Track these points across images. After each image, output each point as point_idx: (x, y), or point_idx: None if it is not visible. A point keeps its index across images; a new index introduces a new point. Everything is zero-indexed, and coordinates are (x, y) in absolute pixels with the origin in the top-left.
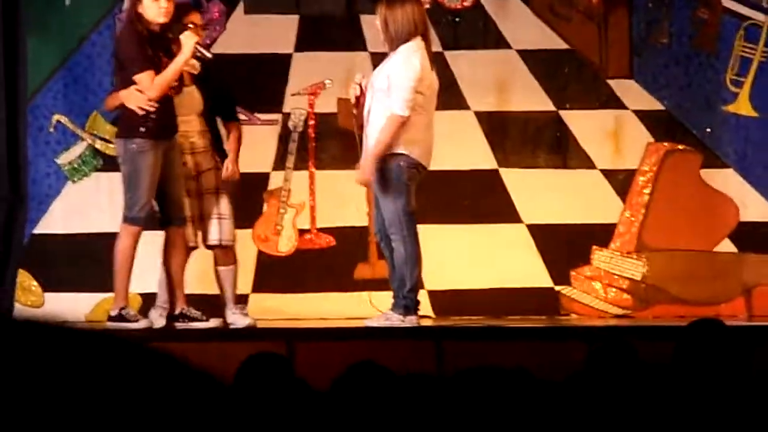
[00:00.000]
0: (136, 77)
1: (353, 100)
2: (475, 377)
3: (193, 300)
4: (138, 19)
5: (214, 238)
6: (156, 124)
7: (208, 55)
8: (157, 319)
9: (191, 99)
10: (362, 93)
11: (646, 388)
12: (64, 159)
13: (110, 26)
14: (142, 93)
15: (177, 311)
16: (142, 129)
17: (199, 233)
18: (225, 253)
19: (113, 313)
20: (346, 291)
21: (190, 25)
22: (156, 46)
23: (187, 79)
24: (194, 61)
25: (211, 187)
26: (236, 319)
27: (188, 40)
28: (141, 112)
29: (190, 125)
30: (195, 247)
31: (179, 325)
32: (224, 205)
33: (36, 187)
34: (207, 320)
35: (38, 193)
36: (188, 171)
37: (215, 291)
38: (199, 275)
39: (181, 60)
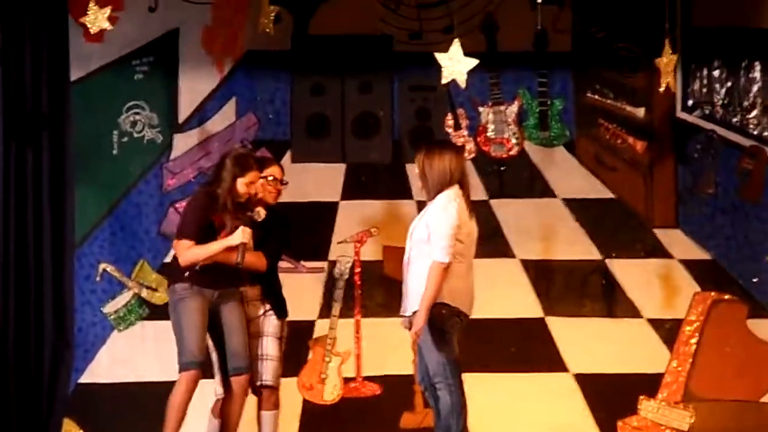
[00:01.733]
0: (177, 240)
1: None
2: None
3: None
4: (223, 190)
5: (270, 380)
6: (199, 273)
7: (240, 259)
8: None
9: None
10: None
11: None
12: (110, 308)
13: (157, 175)
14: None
15: None
16: (186, 274)
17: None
18: (269, 397)
19: None
20: None
21: (269, 178)
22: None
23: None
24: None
25: (257, 332)
26: None
27: (241, 235)
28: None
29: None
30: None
31: None
32: (271, 348)
33: (82, 335)
34: None
35: (84, 341)
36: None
37: None
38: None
39: (223, 245)
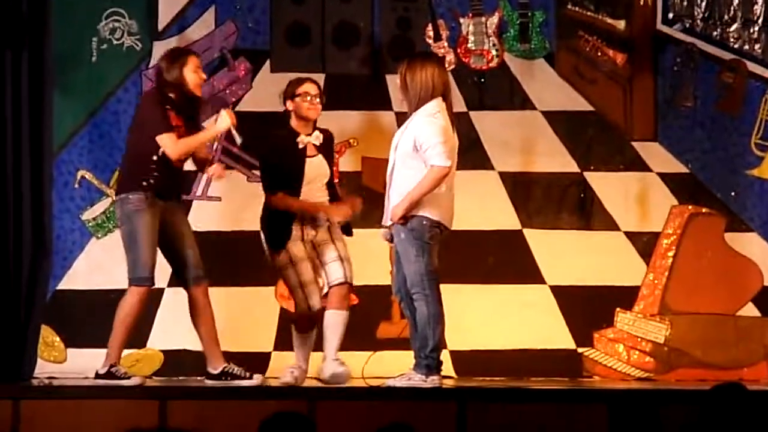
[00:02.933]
0: (159, 137)
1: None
2: None
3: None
4: (169, 84)
5: (337, 276)
6: (158, 181)
7: (239, 139)
8: (288, 376)
9: (320, 168)
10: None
11: None
12: (88, 215)
13: (136, 83)
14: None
15: (218, 370)
16: (144, 183)
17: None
18: (340, 297)
19: (102, 370)
20: (368, 350)
21: (304, 95)
22: (181, 113)
23: (312, 149)
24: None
25: (326, 239)
26: (335, 367)
27: (225, 118)
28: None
29: (314, 193)
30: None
31: (221, 383)
32: (342, 249)
33: (60, 242)
34: (250, 377)
35: (62, 248)
36: (308, 240)
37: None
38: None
39: (211, 133)
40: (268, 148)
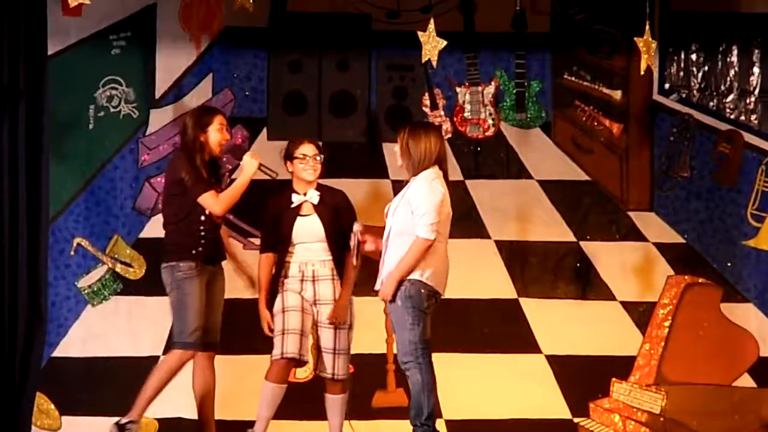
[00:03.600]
0: (201, 198)
1: (352, 249)
2: None
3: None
4: (200, 147)
5: (327, 371)
6: (205, 249)
7: (274, 174)
8: None
9: (312, 227)
10: (360, 242)
11: None
12: (84, 282)
13: (133, 151)
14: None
15: (126, 419)
16: (194, 252)
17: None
18: (337, 385)
19: (124, 421)
20: (364, 419)
21: (301, 157)
22: (208, 171)
23: (308, 208)
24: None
25: (329, 321)
26: None
27: (251, 162)
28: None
29: (311, 253)
30: (299, 363)
31: None
32: (342, 341)
33: (55, 309)
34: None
35: (57, 315)
36: (308, 297)
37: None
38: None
39: (245, 180)
40: (266, 207)
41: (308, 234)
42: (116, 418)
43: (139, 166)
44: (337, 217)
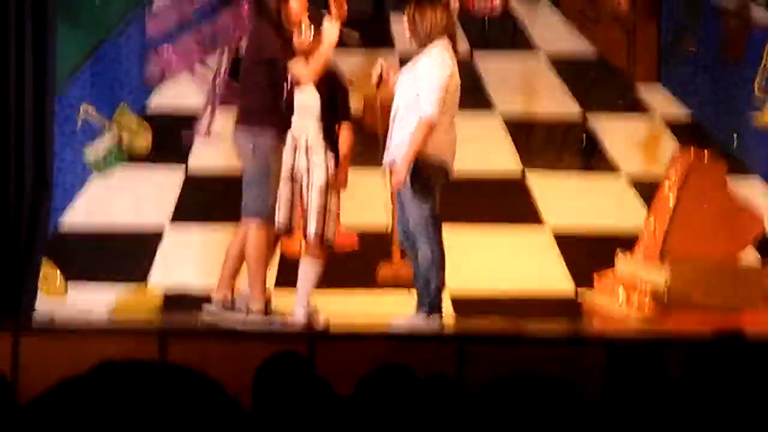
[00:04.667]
0: (292, 64)
1: (375, 80)
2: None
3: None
4: (282, 16)
5: (313, 230)
6: (286, 118)
7: (355, 34)
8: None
9: (310, 100)
10: (383, 76)
11: (668, 398)
12: (90, 150)
13: (140, 18)
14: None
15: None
16: (277, 119)
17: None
18: (319, 247)
19: (257, 306)
20: (369, 290)
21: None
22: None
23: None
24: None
25: (321, 183)
26: (300, 313)
27: (332, 26)
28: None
29: (308, 126)
30: (287, 233)
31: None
32: (332, 201)
33: (61, 176)
34: (247, 314)
35: (63, 181)
36: (300, 166)
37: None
38: None
39: (329, 44)
40: None
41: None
42: (120, 284)
43: (146, 34)
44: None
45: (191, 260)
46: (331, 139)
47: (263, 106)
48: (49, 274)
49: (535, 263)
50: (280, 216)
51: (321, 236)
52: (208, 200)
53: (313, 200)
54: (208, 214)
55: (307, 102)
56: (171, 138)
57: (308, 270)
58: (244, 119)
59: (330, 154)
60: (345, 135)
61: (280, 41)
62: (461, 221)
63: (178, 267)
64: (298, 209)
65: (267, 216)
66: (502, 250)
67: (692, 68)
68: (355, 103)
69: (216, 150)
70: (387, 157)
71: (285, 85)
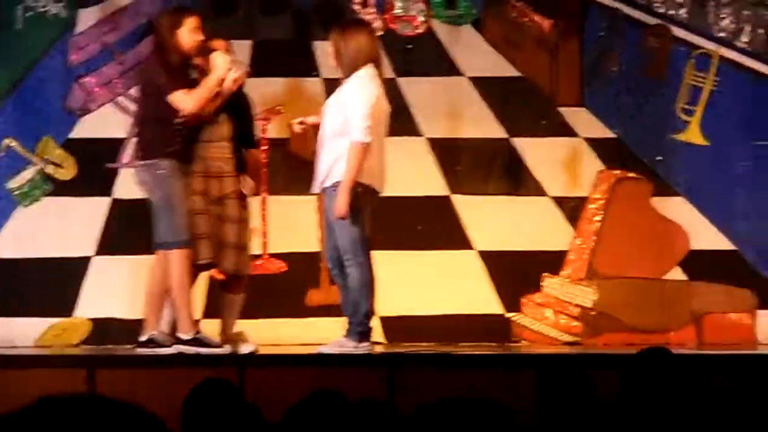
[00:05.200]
0: (173, 95)
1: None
2: (435, 410)
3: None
4: (172, 48)
5: (229, 267)
6: (182, 148)
7: (244, 64)
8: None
9: (222, 126)
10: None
11: (597, 417)
12: (14, 183)
13: (62, 51)
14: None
15: (189, 335)
16: (171, 150)
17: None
18: (238, 283)
19: (187, 336)
20: (297, 317)
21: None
22: (182, 73)
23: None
24: (232, 75)
25: (234, 215)
26: (238, 346)
27: (221, 58)
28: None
29: (219, 151)
30: (209, 267)
31: (144, 350)
32: (244, 236)
33: None
34: (170, 346)
35: None
36: (213, 194)
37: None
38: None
39: (216, 77)
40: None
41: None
42: (47, 319)
43: (68, 65)
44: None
45: (118, 290)
46: (240, 167)
47: (155, 137)
48: None
49: (464, 287)
50: (202, 251)
51: (237, 272)
52: (133, 229)
53: (228, 234)
54: (134, 244)
55: (220, 131)
56: (95, 169)
57: (229, 305)
58: (143, 153)
59: (242, 183)
60: (253, 156)
61: (163, 72)
62: (390, 246)
63: (105, 297)
64: (218, 240)
65: (184, 243)
66: (431, 275)
67: (615, 89)
68: (283, 130)
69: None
70: (315, 182)
71: (178, 116)
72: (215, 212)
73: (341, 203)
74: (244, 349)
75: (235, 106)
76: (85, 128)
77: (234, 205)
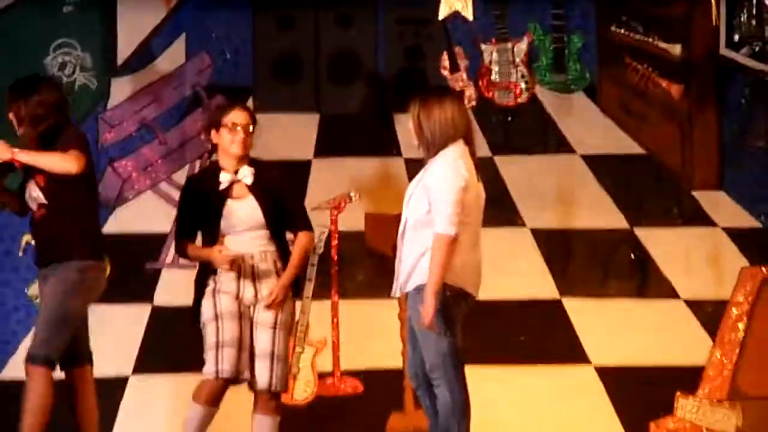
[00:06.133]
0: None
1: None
2: None
3: None
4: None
5: (263, 381)
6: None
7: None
8: None
9: (250, 213)
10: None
11: None
12: (35, 290)
13: (91, 128)
14: None
15: None
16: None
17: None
18: (270, 401)
19: None
20: None
21: (230, 126)
22: None
23: (241, 189)
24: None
25: (268, 321)
26: None
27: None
28: None
29: (248, 244)
30: (233, 382)
31: None
32: (281, 344)
33: (2, 322)
34: None
35: (4, 329)
36: (247, 298)
37: None
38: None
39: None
40: (184, 190)
41: (243, 221)
42: None
43: (99, 146)
44: (278, 199)
45: (158, 415)
46: (284, 261)
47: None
48: None
49: (579, 411)
50: (225, 363)
51: (271, 387)
52: (177, 342)
53: (261, 342)
54: (178, 359)
55: (244, 216)
56: (134, 270)
57: (270, 430)
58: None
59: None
60: (302, 243)
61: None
62: (487, 361)
63: (144, 424)
64: (247, 353)
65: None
66: (538, 395)
67: (760, 168)
68: (358, 222)
69: (187, 282)
70: (395, 285)
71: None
72: (249, 317)
73: (427, 310)
74: None
75: (268, 185)
76: (121, 221)
77: (270, 309)
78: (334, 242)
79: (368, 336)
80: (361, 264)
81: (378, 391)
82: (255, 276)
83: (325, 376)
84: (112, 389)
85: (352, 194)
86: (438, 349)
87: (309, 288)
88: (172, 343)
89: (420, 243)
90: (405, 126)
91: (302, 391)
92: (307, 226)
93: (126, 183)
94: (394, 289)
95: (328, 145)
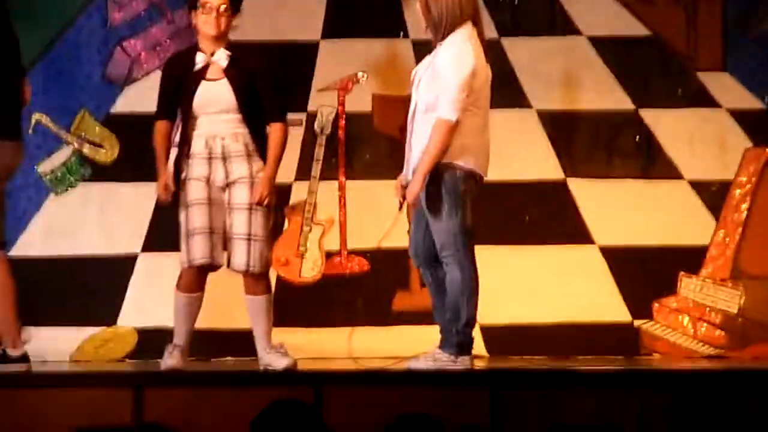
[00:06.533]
0: None
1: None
2: None
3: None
4: None
5: (240, 262)
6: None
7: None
8: (168, 358)
9: (220, 94)
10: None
11: None
12: (45, 167)
13: (101, 8)
14: None
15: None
16: None
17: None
18: (255, 281)
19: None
20: (383, 325)
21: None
22: None
23: (216, 71)
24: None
25: (242, 202)
26: (272, 359)
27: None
28: None
29: (219, 126)
30: (210, 269)
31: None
32: (257, 224)
33: (11, 200)
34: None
35: (14, 207)
36: (217, 181)
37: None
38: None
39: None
40: (163, 69)
41: (215, 103)
42: (84, 328)
43: (108, 26)
44: (253, 82)
45: (170, 294)
46: (258, 145)
47: None
48: None
49: (583, 290)
50: (196, 251)
51: (249, 269)
52: None
53: (236, 224)
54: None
55: (217, 97)
56: (142, 149)
57: (257, 308)
58: None
59: (257, 165)
60: (275, 136)
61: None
62: (494, 241)
63: (154, 303)
64: (221, 237)
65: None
66: (543, 275)
67: (765, 50)
68: (365, 102)
69: None
70: (405, 169)
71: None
72: (222, 200)
73: (414, 189)
74: (279, 363)
75: (244, 68)
76: (130, 101)
77: (243, 189)
78: (341, 122)
79: (375, 215)
80: (369, 144)
81: (384, 270)
82: (225, 157)
83: (333, 255)
84: (123, 267)
85: (359, 75)
86: (448, 228)
87: (316, 168)
88: None
89: (428, 129)
90: (413, 7)
91: (309, 269)
92: (278, 117)
93: (135, 62)
94: (404, 172)
95: (336, 26)
